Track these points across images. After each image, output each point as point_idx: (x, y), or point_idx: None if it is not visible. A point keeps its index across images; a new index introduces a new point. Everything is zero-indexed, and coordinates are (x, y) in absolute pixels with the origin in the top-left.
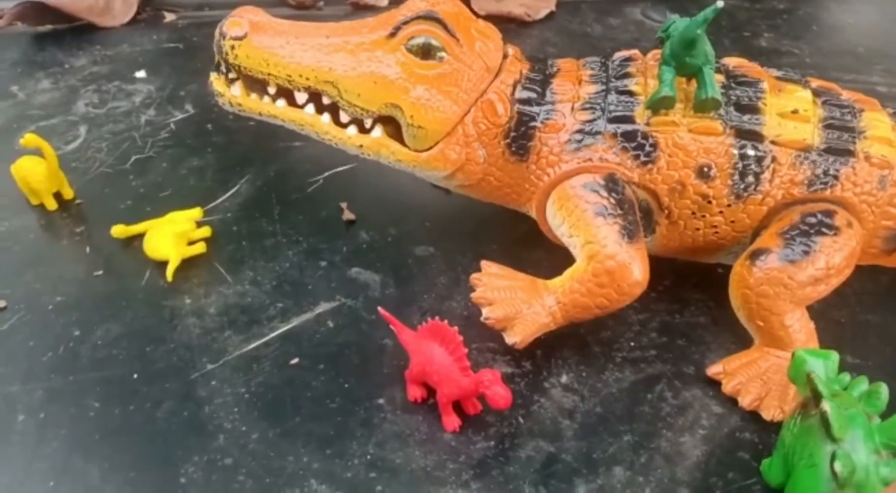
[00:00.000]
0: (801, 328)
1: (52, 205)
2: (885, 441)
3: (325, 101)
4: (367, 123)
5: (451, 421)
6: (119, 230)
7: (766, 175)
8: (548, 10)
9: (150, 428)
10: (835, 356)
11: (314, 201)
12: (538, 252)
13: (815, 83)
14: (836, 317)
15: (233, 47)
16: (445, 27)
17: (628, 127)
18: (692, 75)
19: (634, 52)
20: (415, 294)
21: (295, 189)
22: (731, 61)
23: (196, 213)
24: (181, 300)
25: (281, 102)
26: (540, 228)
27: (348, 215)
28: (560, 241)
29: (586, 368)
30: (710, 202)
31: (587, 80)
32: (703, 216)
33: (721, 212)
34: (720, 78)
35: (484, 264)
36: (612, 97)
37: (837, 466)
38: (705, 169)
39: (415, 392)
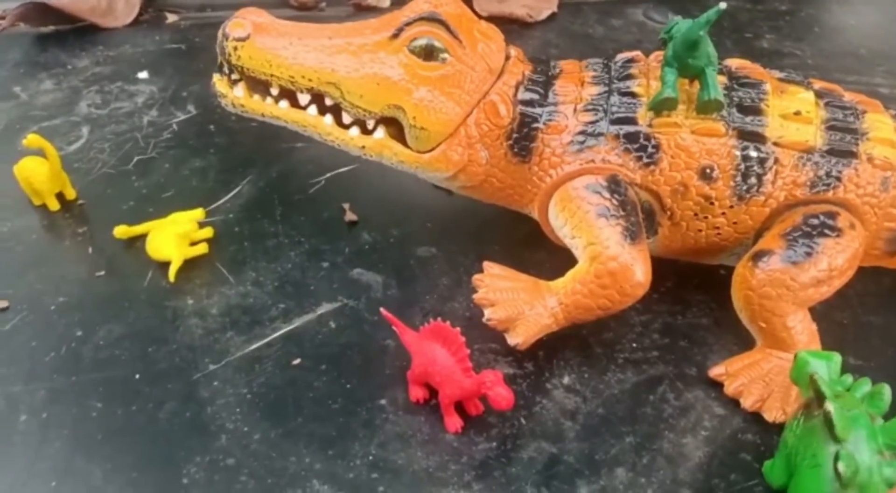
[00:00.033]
0: (803, 330)
1: (54, 205)
2: (889, 442)
3: (328, 102)
4: (370, 124)
5: (453, 422)
6: (121, 231)
7: (769, 177)
8: (550, 11)
9: (153, 429)
10: (837, 358)
11: (316, 202)
12: (540, 253)
13: (817, 85)
14: (839, 318)
15: (236, 48)
16: (448, 28)
17: (631, 128)
18: (695, 77)
19: (637, 53)
20: (417, 295)
21: (297, 190)
22: (734, 63)
23: (198, 213)
24: (183, 301)
25: (284, 104)
26: (542, 230)
27: (350, 216)
28: (562, 242)
29: (588, 369)
30: (712, 204)
31: (589, 82)
32: (706, 218)
33: (723, 213)
34: (723, 79)
35: (486, 265)
36: (615, 99)
37: (841, 466)
38: (708, 170)
39: (417, 393)
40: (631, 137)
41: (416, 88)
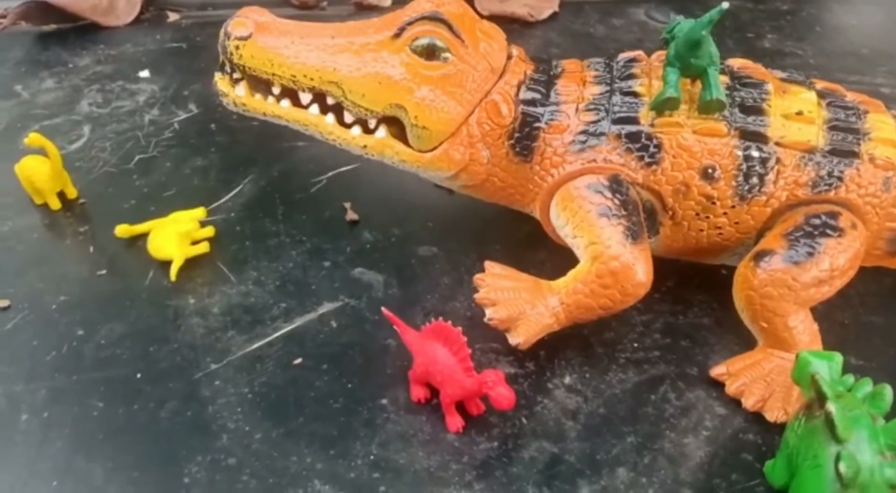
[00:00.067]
0: (804, 330)
1: (55, 204)
2: (890, 442)
3: (330, 101)
4: (372, 123)
5: (455, 422)
6: (123, 230)
7: (771, 176)
8: (551, 10)
9: (154, 428)
10: (839, 358)
11: (318, 201)
12: (542, 253)
13: (819, 85)
14: (840, 318)
15: (237, 47)
16: (450, 28)
17: (632, 128)
18: (697, 76)
19: (639, 53)
20: (418, 294)
21: (298, 189)
22: (736, 62)
23: (200, 213)
24: (185, 300)
25: (285, 103)
26: (543, 229)
27: (352, 215)
28: (564, 242)
29: (590, 369)
30: (714, 203)
31: (591, 82)
32: (707, 217)
33: (725, 213)
34: (725, 79)
35: (487, 264)
36: (617, 98)
37: (842, 467)
38: (709, 170)
39: (418, 393)
40: (633, 137)
41: (418, 88)
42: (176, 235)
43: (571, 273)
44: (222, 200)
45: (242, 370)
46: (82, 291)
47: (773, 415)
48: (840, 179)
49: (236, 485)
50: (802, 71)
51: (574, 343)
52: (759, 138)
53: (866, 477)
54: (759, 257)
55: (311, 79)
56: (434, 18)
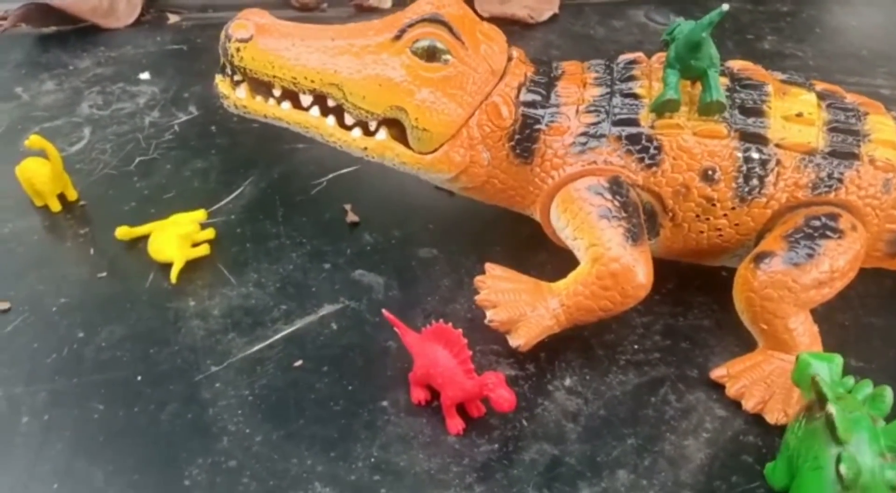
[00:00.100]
0: (804, 332)
1: (56, 206)
2: (891, 444)
3: (330, 103)
4: (372, 125)
5: (455, 424)
6: (123, 232)
7: (771, 178)
8: (551, 12)
9: (154, 430)
10: (839, 360)
11: (318, 203)
12: (542, 255)
13: (819, 86)
14: (840, 320)
15: (238, 49)
16: (451, 30)
17: (633, 130)
18: (697, 78)
19: (639, 54)
20: (418, 296)
21: (299, 191)
22: (736, 64)
23: (200, 215)
24: (185, 302)
25: (286, 105)
26: (544, 231)
27: (352, 217)
28: (564, 243)
29: (590, 371)
30: (714, 205)
31: (591, 83)
32: (708, 219)
33: (725, 215)
34: (725, 81)
35: (488, 266)
36: (617, 100)
37: (843, 468)
38: (709, 172)
39: (418, 395)
40: (633, 139)
41: (419, 90)
42: (176, 238)
43: (572, 275)
44: (223, 202)
45: (243, 373)
46: (83, 293)
47: (773, 417)
48: (840, 180)
49: (237, 487)
50: (802, 72)
51: (574, 345)
52: (759, 140)
53: (867, 479)
54: (760, 258)
55: (312, 81)
56: (434, 20)
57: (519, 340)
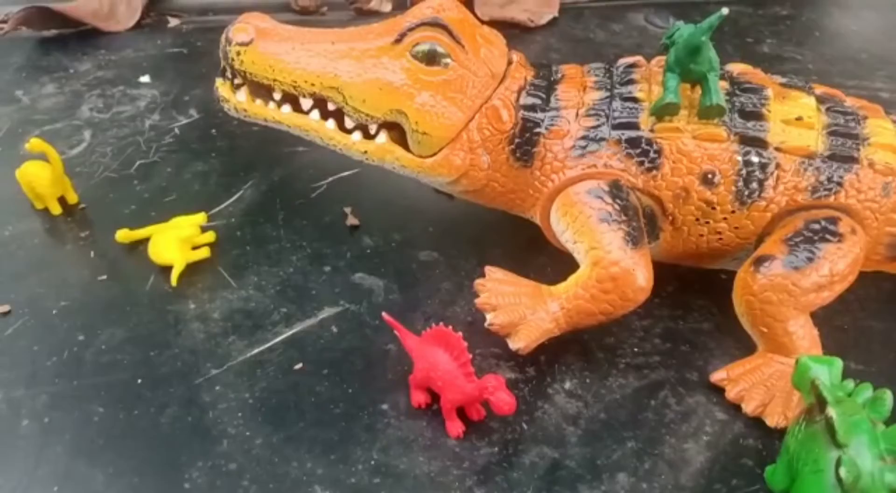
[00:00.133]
0: (804, 335)
1: (56, 209)
2: (890, 447)
3: (331, 106)
4: (372, 128)
5: (455, 427)
6: (123, 235)
7: (770, 182)
8: (551, 15)
9: (154, 433)
10: (838, 363)
11: (318, 206)
12: (542, 258)
13: (819, 90)
14: (840, 323)
15: (238, 53)
16: (451, 34)
17: (632, 133)
18: (696, 82)
19: (638, 58)
20: (419, 300)
21: (299, 194)
22: (736, 68)
23: (200, 218)
24: (185, 305)
25: (286, 108)
26: (544, 234)
27: (352, 221)
28: (564, 247)
29: (590, 374)
30: (714, 209)
31: (591, 87)
32: (707, 222)
33: (725, 218)
34: (724, 85)
35: (488, 269)
36: (617, 104)
37: (843, 471)
38: (709, 175)
39: (419, 398)
40: (633, 142)
41: (419, 93)
42: (177, 241)
43: (572, 278)
44: (223, 206)
45: (243, 375)
46: (83, 296)
47: (773, 420)
48: (840, 184)
49: (237, 490)
50: (801, 76)
51: (574, 348)
52: (758, 144)
53: (867, 482)
54: (759, 262)
55: (312, 84)
56: (435, 24)
57: (519, 343)
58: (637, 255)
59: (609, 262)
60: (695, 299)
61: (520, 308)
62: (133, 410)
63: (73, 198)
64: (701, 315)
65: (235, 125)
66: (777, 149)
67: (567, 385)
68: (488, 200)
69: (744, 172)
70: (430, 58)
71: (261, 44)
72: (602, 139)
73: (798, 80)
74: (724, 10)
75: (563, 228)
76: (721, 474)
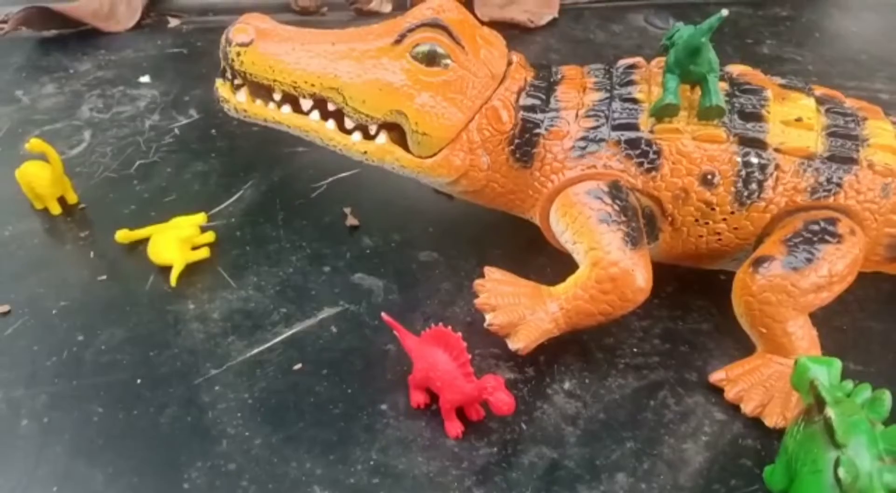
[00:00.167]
0: (803, 335)
1: (56, 209)
2: (889, 448)
3: (331, 107)
4: (372, 129)
5: (454, 427)
6: (123, 235)
7: (770, 183)
8: (551, 16)
9: (154, 433)
10: (837, 363)
11: (318, 207)
12: (541, 258)
13: (818, 91)
14: (839, 324)
15: (239, 54)
16: (451, 34)
17: (632, 134)
18: (696, 83)
19: (638, 59)
20: (418, 300)
21: (299, 194)
22: (735, 69)
23: (200, 218)
24: (185, 305)
25: (286, 109)
26: (543, 235)
27: (352, 221)
28: (563, 247)
29: (589, 374)
30: (713, 209)
31: (591, 88)
32: (707, 223)
33: (724, 219)
34: (724, 86)
35: (487, 270)
36: (616, 105)
37: (841, 472)
38: (709, 176)
39: (418, 398)
40: (632, 143)
41: (419, 94)
42: (176, 241)
43: (571, 279)
44: (223, 206)
45: (242, 376)
46: (83, 296)
47: (771, 420)
48: (839, 185)
49: (236, 491)
50: (801, 77)
51: (573, 349)
52: (758, 144)
53: (865, 482)
54: (758, 262)
55: (312, 85)
56: (434, 25)
57: (518, 343)
58: (636, 255)
59: (608, 262)
60: (694, 299)
61: (519, 309)
62: (132, 410)
63: (72, 198)
64: (700, 316)
65: (235, 125)
66: (776, 150)
67: (566, 386)
68: (488, 200)
69: (743, 173)
70: (430, 59)
71: (261, 44)
72: (602, 140)
73: (798, 82)
74: (724, 12)
75: (563, 229)
76: (720, 474)
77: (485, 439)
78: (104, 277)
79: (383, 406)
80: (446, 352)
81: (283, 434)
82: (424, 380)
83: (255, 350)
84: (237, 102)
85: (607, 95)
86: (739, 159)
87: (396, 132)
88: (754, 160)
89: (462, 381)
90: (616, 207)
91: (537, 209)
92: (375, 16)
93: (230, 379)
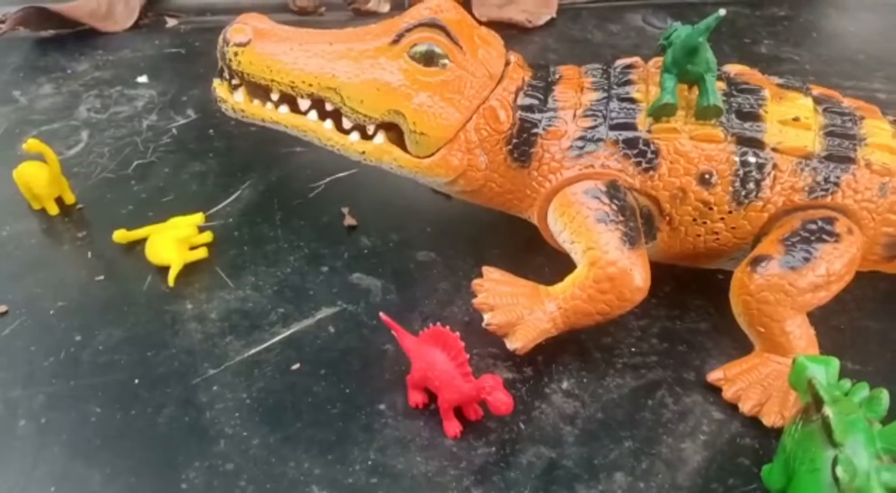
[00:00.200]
0: (801, 335)
1: (53, 210)
2: (887, 446)
3: (328, 107)
4: (370, 129)
5: (453, 427)
6: (121, 235)
7: (767, 182)
8: (549, 16)
9: (152, 433)
10: (835, 362)
11: (316, 207)
12: (539, 258)
13: (816, 91)
14: (836, 323)
15: (236, 54)
16: (448, 34)
17: (630, 134)
18: (694, 83)
19: (636, 59)
20: (416, 300)
21: (296, 195)
22: (733, 69)
23: (198, 218)
24: (183, 305)
25: (284, 109)
26: (541, 235)
27: (350, 221)
28: (561, 247)
29: (587, 373)
30: (711, 209)
31: (589, 88)
32: (705, 223)
33: (722, 218)
34: (721, 85)
35: (485, 269)
36: (614, 104)
37: (839, 471)
38: (706, 176)
39: (416, 398)
40: (630, 143)
41: (417, 94)
42: (174, 241)
43: (569, 278)
44: (220, 206)
45: (240, 376)
46: (80, 296)
47: (769, 419)
48: (836, 184)
49: (234, 491)
50: (798, 77)
51: (572, 348)
52: (755, 144)
53: (863, 481)
54: (756, 262)
55: (310, 85)
56: (432, 25)
57: (516, 343)
58: (634, 255)
59: (606, 262)
60: (692, 299)
61: (517, 308)
62: (130, 410)
63: (70, 198)
64: (698, 315)
65: (233, 126)
66: (774, 149)
67: (564, 385)
68: (486, 200)
69: (741, 172)
70: (428, 58)
71: (258, 44)
72: (599, 140)
73: (795, 81)
74: (722, 11)
75: (561, 229)
76: (718, 473)
77: (483, 438)
78: (102, 277)
79: (381, 406)
80: (444, 352)
81: (281, 434)
82: (423, 380)
83: (253, 350)
84: (235, 102)
85: (605, 94)
86: (737, 159)
87: (394, 132)
88: (752, 160)
89: (460, 381)
90: (614, 207)
91: (535, 209)
92: (373, 16)
93: (228, 379)
